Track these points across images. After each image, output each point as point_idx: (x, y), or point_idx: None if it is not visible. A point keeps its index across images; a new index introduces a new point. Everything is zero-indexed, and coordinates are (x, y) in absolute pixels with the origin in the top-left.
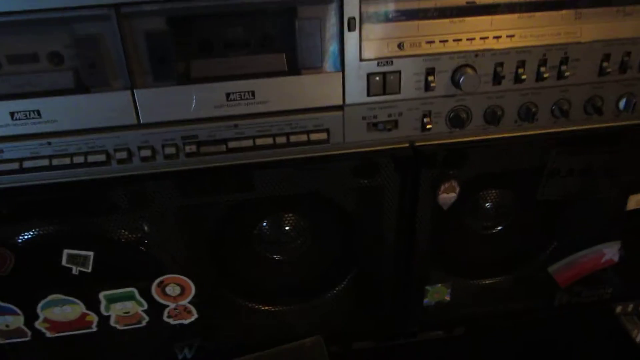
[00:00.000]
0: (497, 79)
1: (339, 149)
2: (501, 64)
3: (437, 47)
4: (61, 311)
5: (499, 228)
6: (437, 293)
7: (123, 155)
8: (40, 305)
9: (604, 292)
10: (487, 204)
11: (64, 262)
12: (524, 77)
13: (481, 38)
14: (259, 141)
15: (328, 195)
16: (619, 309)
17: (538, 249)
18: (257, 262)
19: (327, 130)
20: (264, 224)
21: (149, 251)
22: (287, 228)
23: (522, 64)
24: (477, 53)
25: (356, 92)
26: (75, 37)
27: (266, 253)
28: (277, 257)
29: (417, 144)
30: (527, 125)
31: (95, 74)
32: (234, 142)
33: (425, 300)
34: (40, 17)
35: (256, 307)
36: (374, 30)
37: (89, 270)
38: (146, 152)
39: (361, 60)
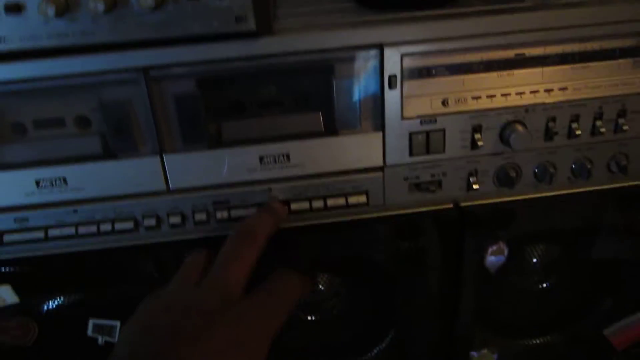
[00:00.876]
0: (549, 134)
1: (378, 211)
2: (553, 119)
3: (484, 103)
4: None
5: (548, 284)
6: (483, 358)
7: (151, 222)
8: None
9: None
10: (534, 259)
11: (89, 333)
12: (578, 132)
13: (531, 92)
14: (294, 206)
15: (366, 256)
16: None
17: (591, 308)
18: (288, 323)
19: (367, 193)
20: None
21: None
22: (320, 287)
23: (576, 118)
24: (527, 108)
25: (397, 152)
26: (102, 102)
27: (298, 313)
28: (310, 317)
29: (463, 204)
30: (582, 181)
31: (123, 139)
32: None
33: None
34: (67, 83)
35: None
36: (416, 87)
37: (116, 339)
38: (176, 219)
39: (403, 118)
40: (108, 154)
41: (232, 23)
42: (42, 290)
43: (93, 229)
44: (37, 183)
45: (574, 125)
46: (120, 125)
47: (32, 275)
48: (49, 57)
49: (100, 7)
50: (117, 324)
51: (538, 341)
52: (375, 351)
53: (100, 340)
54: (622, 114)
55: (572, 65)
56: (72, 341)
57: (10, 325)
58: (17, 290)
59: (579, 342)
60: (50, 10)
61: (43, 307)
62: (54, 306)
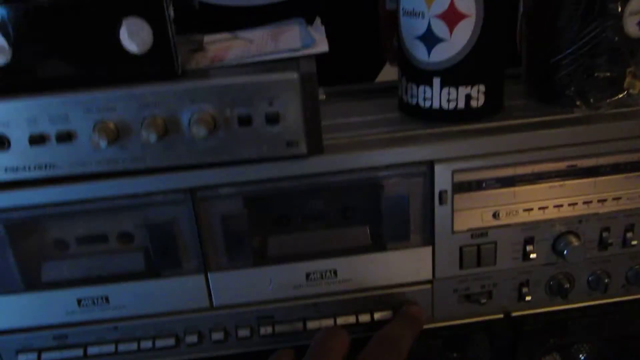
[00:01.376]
0: (604, 244)
1: (427, 322)
2: (607, 229)
3: (536, 215)
4: None
5: None
6: None
7: (193, 339)
8: None
9: None
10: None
11: None
12: (634, 242)
13: (584, 202)
14: (340, 320)
15: None
16: None
17: None
18: None
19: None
20: None
21: None
22: None
23: (631, 227)
24: (580, 218)
25: (447, 265)
26: (148, 221)
27: None
28: None
29: (514, 314)
30: (637, 289)
31: (168, 257)
32: (314, 323)
33: None
34: (113, 205)
35: None
36: (466, 201)
37: None
38: (218, 335)
39: (453, 232)
40: (151, 271)
41: (282, 147)
42: None
43: (133, 346)
44: (79, 302)
45: (629, 234)
46: (165, 244)
47: None
48: (97, 180)
49: (153, 138)
50: None
51: None
52: None
53: None
54: None
55: (625, 175)
56: None
57: None
58: None
59: None
60: (102, 142)
61: None
62: None
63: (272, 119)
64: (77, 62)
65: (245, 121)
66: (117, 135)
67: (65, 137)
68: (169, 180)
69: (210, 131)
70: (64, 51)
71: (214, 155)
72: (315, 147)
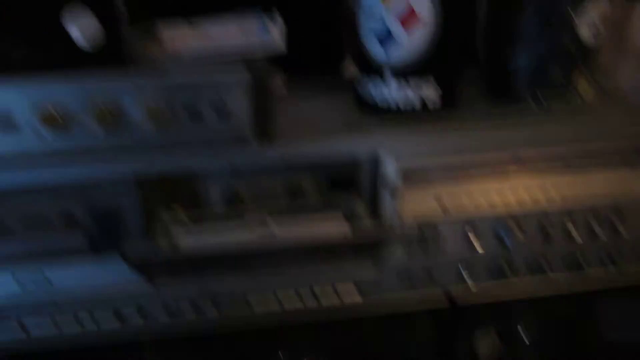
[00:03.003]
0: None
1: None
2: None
3: (482, 208)
4: None
5: None
6: None
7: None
8: None
9: None
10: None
11: None
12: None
13: (532, 199)
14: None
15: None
16: None
17: None
18: None
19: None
20: None
21: None
22: None
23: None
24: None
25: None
26: (92, 207)
27: None
28: None
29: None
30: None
31: (112, 239)
32: (255, 297)
33: None
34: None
35: None
36: (414, 193)
37: None
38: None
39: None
40: (94, 251)
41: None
42: None
43: (76, 329)
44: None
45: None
46: (109, 228)
47: None
48: (42, 167)
49: (99, 129)
50: None
51: None
52: None
53: None
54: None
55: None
56: None
57: None
58: None
59: None
60: (47, 132)
61: None
62: None
63: (223, 116)
64: (22, 48)
65: (195, 117)
66: (63, 125)
67: (8, 126)
68: (114, 169)
69: (158, 126)
70: (10, 38)
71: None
72: (265, 139)
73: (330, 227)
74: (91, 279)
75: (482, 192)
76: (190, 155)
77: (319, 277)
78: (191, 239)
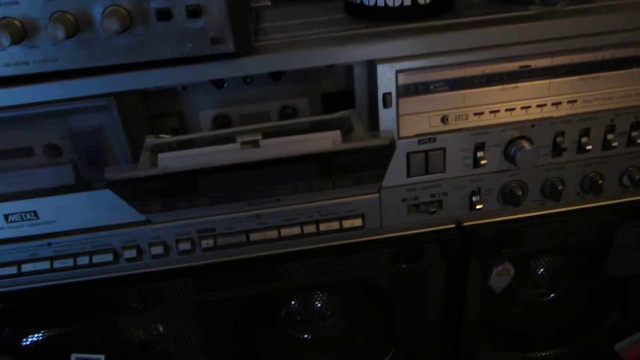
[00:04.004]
0: (558, 150)
1: (376, 234)
2: (562, 134)
3: (487, 119)
4: None
5: (554, 296)
6: None
7: (132, 253)
8: None
9: None
10: (540, 270)
11: None
12: (588, 147)
13: (538, 106)
14: (284, 231)
15: (365, 279)
16: None
17: (597, 321)
18: (286, 344)
19: (362, 216)
20: (292, 303)
21: (166, 351)
22: (317, 306)
23: (586, 132)
24: (533, 123)
25: (394, 172)
26: (72, 130)
27: (295, 333)
28: (306, 336)
29: (466, 223)
30: (592, 197)
31: (97, 168)
32: (257, 234)
33: None
34: (33, 112)
35: None
36: (413, 104)
37: None
38: (158, 249)
39: (399, 138)
40: (81, 184)
41: (207, 45)
42: (18, 325)
43: (69, 262)
44: (6, 217)
45: (584, 139)
46: (93, 154)
47: (7, 310)
48: (11, 86)
49: (61, 34)
50: (102, 357)
51: (544, 354)
52: None
53: None
54: (635, 126)
55: (581, 76)
56: None
57: None
58: None
59: (585, 355)
60: (5, 40)
61: (21, 343)
62: (33, 341)
63: (194, 13)
64: None
65: (164, 15)
66: (24, 33)
67: None
68: (89, 85)
69: (125, 27)
70: None
71: (134, 55)
72: (244, 44)
73: (325, 141)
74: (81, 214)
75: (486, 99)
76: (173, 73)
77: (317, 200)
78: (178, 161)
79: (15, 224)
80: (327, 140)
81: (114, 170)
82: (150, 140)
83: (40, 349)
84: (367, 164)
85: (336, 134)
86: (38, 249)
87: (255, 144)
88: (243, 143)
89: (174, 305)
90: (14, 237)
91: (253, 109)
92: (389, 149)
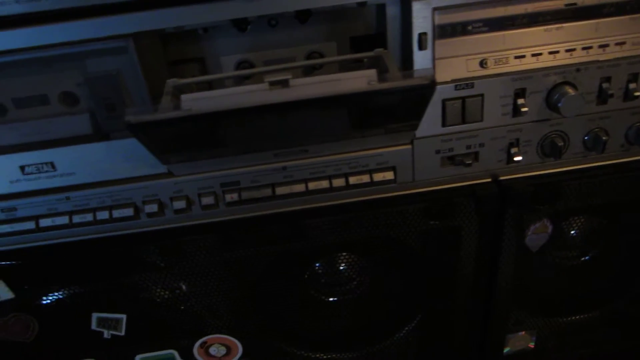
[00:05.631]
0: (603, 97)
1: (407, 188)
2: (608, 79)
3: (529, 63)
4: None
5: (587, 258)
6: (520, 341)
7: (153, 208)
8: None
9: None
10: (574, 232)
11: (93, 327)
12: (637, 93)
13: (583, 48)
14: (312, 185)
15: (393, 237)
16: None
17: (630, 284)
18: (310, 307)
19: (394, 169)
20: (317, 265)
21: (189, 310)
22: (342, 268)
23: (634, 77)
24: (578, 67)
25: (428, 122)
26: (89, 76)
27: (320, 296)
28: (331, 299)
29: (502, 177)
30: (638, 149)
31: (115, 116)
32: (283, 188)
33: (506, 350)
34: (49, 55)
35: (311, 356)
36: (449, 47)
37: (122, 333)
38: (180, 204)
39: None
40: (99, 134)
41: None
42: (38, 283)
43: (89, 217)
44: (22, 169)
45: (632, 85)
46: (111, 101)
47: (26, 268)
48: (22, 26)
49: None
50: (123, 317)
51: (576, 318)
52: (403, 332)
53: (105, 334)
54: None
55: (631, 16)
56: (76, 335)
57: (8, 321)
58: (11, 285)
59: (618, 320)
60: None
61: (41, 302)
62: (53, 300)
63: None
64: None
65: None
66: None
67: None
68: (105, 25)
69: None
70: None
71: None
72: None
73: (361, 81)
74: (99, 165)
75: (528, 41)
76: (193, 12)
77: (347, 152)
78: (203, 102)
79: (32, 176)
80: (362, 80)
81: (135, 113)
82: (172, 81)
83: (61, 309)
84: (403, 107)
85: (372, 72)
86: (56, 203)
87: (284, 83)
88: (272, 83)
89: (196, 263)
90: (31, 190)
91: (278, 55)
92: (430, 87)
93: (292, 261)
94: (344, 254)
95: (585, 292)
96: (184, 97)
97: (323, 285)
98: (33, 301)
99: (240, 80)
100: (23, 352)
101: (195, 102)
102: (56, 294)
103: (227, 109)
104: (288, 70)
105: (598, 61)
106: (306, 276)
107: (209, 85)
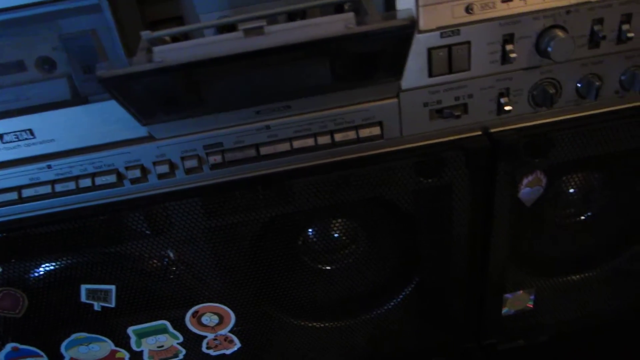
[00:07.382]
0: (595, 40)
1: (395, 144)
2: (600, 21)
3: (517, 6)
4: (88, 350)
5: (585, 217)
6: (518, 301)
7: (136, 173)
8: (64, 345)
9: None
10: (572, 189)
11: (83, 299)
12: (630, 34)
13: None
14: (297, 143)
15: (383, 197)
16: None
17: (629, 243)
18: (303, 275)
19: (380, 124)
20: (310, 231)
21: (178, 279)
22: (336, 235)
23: (627, 18)
24: (568, 9)
25: (414, 72)
26: (64, 37)
27: (314, 264)
28: (326, 267)
29: (493, 130)
30: (632, 95)
31: (93, 79)
32: (267, 147)
33: (505, 310)
34: (22, 15)
35: (306, 324)
36: None
37: (113, 305)
38: (163, 168)
39: (419, 32)
40: (78, 98)
41: None
42: (23, 256)
43: (72, 185)
44: (1, 137)
45: (625, 27)
46: (87, 62)
47: (9, 240)
48: None
49: None
50: (113, 288)
51: (574, 278)
52: (400, 297)
53: (96, 306)
54: None
55: None
56: (67, 309)
57: None
58: None
59: (616, 279)
60: None
61: (30, 275)
62: (42, 273)
63: None
64: None
65: None
66: None
67: None
68: None
69: None
70: None
71: None
72: None
73: (338, 25)
74: (79, 130)
75: None
76: None
77: (331, 108)
78: (176, 53)
79: (11, 145)
80: (339, 24)
81: (107, 67)
82: (145, 34)
83: (49, 282)
84: (384, 53)
85: (349, 16)
86: (38, 172)
87: (259, 30)
88: (246, 30)
89: (183, 230)
90: (11, 159)
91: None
92: (409, 28)
93: (283, 227)
94: (337, 219)
95: (583, 252)
96: (156, 48)
97: (317, 253)
98: (22, 275)
99: (220, 32)
100: (14, 327)
101: (168, 52)
102: (44, 266)
103: (201, 59)
104: (265, 19)
105: (589, 2)
106: (300, 243)
107: (186, 38)
